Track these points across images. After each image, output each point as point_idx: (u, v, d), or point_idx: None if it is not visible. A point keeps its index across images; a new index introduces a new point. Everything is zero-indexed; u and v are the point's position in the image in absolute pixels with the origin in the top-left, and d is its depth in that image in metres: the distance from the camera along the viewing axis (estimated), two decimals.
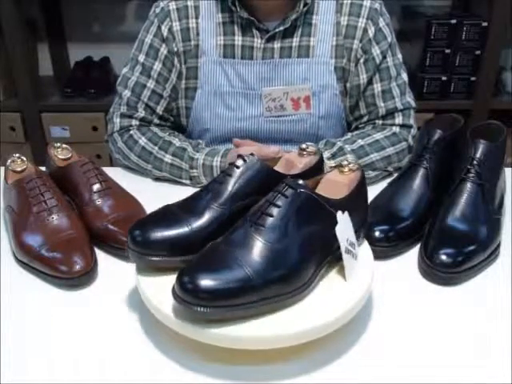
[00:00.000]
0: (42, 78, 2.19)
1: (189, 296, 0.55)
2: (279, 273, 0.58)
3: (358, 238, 0.68)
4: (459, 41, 1.94)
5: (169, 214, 0.66)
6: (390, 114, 1.07)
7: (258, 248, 0.58)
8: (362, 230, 0.71)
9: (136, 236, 0.63)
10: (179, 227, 0.64)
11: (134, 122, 1.06)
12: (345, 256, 0.62)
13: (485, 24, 1.90)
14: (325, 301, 0.61)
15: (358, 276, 0.64)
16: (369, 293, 0.64)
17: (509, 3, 1.84)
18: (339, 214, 0.62)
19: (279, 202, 0.60)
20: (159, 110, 1.08)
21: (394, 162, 1.03)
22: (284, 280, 0.58)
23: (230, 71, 1.04)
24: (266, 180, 0.67)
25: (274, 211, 0.60)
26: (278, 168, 0.76)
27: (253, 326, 0.57)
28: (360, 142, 1.01)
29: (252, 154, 0.70)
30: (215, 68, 1.05)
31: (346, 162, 0.72)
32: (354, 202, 0.68)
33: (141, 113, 1.06)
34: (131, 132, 1.06)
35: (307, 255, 0.60)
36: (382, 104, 1.07)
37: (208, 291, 0.55)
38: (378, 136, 1.03)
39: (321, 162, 0.77)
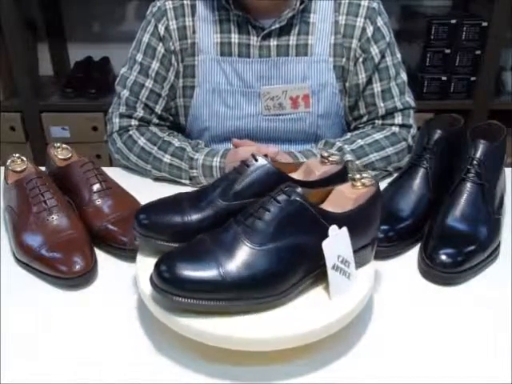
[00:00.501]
0: (42, 77, 2.19)
1: (162, 282, 0.56)
2: (255, 277, 0.57)
3: (364, 256, 0.66)
4: (459, 41, 1.94)
5: (175, 202, 0.69)
6: (390, 113, 1.07)
7: (240, 250, 0.58)
8: (369, 248, 0.67)
9: (141, 219, 0.67)
10: (180, 216, 0.66)
11: (133, 122, 1.07)
12: (331, 273, 0.60)
13: (485, 24, 1.90)
14: (325, 303, 0.61)
15: (357, 280, 0.63)
16: (369, 294, 0.64)
17: (509, 3, 1.84)
18: (333, 228, 0.60)
19: (271, 207, 0.59)
20: (158, 109, 1.08)
21: (394, 162, 1.03)
22: (260, 285, 0.58)
23: (228, 69, 1.04)
24: (273, 182, 0.65)
25: (264, 215, 0.59)
26: (299, 173, 0.74)
27: (254, 328, 0.57)
28: (359, 141, 1.01)
29: (266, 156, 0.69)
30: (213, 66, 1.04)
31: (358, 176, 0.67)
32: (359, 218, 0.64)
33: (140, 112, 1.06)
34: (130, 132, 1.06)
35: (291, 264, 0.59)
36: (382, 104, 1.07)
37: (180, 281, 0.56)
38: (378, 136, 1.03)
39: (343, 171, 0.73)
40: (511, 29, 1.92)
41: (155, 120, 1.08)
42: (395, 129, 1.06)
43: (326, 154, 0.74)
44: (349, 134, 1.05)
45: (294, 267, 0.59)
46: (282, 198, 0.60)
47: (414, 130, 1.08)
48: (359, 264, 0.65)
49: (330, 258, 0.60)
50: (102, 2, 2.14)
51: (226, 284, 0.56)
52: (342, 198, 0.66)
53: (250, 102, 1.06)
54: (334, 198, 0.67)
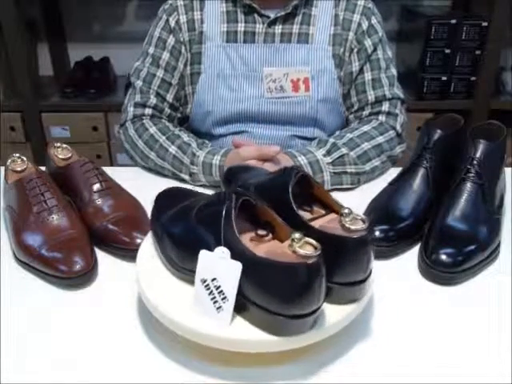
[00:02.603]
0: (42, 77, 2.19)
1: None
2: (174, 236, 0.65)
3: (274, 324, 0.55)
4: (459, 41, 1.94)
5: (233, 173, 0.84)
6: (378, 102, 1.12)
7: (184, 217, 0.64)
8: (286, 322, 0.55)
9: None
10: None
11: (147, 111, 1.10)
12: (197, 283, 0.58)
13: (485, 24, 1.90)
14: (325, 303, 0.61)
15: (228, 322, 0.58)
16: (369, 294, 0.64)
17: (509, 3, 1.84)
18: (221, 249, 0.56)
19: (215, 196, 0.63)
20: (169, 97, 1.12)
21: (387, 151, 1.06)
22: (174, 244, 0.64)
23: (233, 54, 1.09)
24: (279, 196, 0.64)
25: (207, 199, 0.64)
26: (333, 217, 0.65)
27: (254, 330, 0.57)
28: (349, 135, 1.04)
29: (299, 175, 0.66)
30: (218, 52, 1.10)
31: (298, 236, 0.54)
32: (263, 273, 0.54)
33: (153, 100, 1.10)
34: (144, 121, 1.09)
35: (192, 251, 0.60)
36: (372, 92, 1.12)
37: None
38: (366, 128, 1.07)
39: (337, 244, 0.58)
40: (511, 29, 1.92)
41: (167, 110, 1.12)
42: (381, 118, 1.10)
43: (345, 211, 0.59)
44: (338, 132, 1.09)
45: (187, 253, 0.62)
46: (224, 194, 0.61)
47: (401, 119, 1.12)
48: (267, 329, 0.56)
49: (202, 271, 0.58)
50: (102, 2, 2.14)
51: (155, 222, 0.68)
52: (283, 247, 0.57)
53: (252, 84, 1.10)
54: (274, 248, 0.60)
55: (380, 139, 1.05)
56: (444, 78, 1.99)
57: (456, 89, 2.01)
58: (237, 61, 1.09)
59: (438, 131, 0.86)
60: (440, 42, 1.94)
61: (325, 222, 0.65)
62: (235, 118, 1.11)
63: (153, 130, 1.06)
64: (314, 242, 0.54)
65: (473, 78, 1.99)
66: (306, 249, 0.53)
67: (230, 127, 1.12)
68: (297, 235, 0.54)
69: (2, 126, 2.00)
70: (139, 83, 1.11)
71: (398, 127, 1.10)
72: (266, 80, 1.09)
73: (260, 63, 1.09)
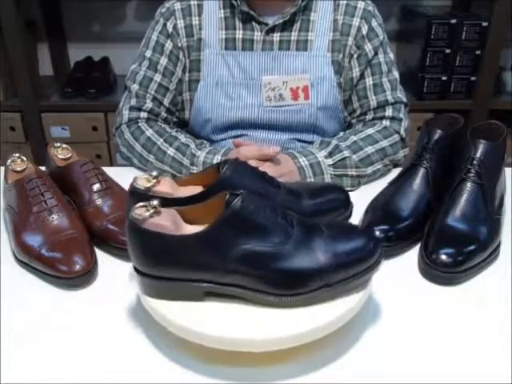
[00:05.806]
0: (42, 77, 2.19)
1: None
2: None
3: None
4: (459, 41, 1.94)
5: None
6: (381, 107, 1.10)
7: None
8: None
9: None
10: None
11: (143, 115, 1.09)
12: None
13: (485, 24, 1.91)
14: (323, 302, 0.61)
15: None
16: (369, 293, 0.64)
17: (509, 3, 1.84)
18: None
19: None
20: (166, 102, 1.11)
21: (390, 155, 1.05)
22: None
23: (232, 62, 1.08)
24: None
25: None
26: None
27: (252, 329, 0.57)
28: (353, 138, 1.03)
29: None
30: (217, 59, 1.09)
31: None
32: None
33: (149, 104, 1.10)
34: (139, 124, 1.09)
35: None
36: (374, 97, 1.10)
37: None
38: (370, 131, 1.06)
39: None
40: (511, 29, 1.92)
41: (163, 114, 1.11)
42: (386, 122, 1.09)
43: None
44: (341, 133, 1.08)
45: None
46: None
47: (405, 123, 1.10)
48: None
49: None
50: (102, 2, 2.14)
51: None
52: None
53: (251, 93, 1.09)
54: None
55: (384, 143, 1.04)
56: (444, 78, 1.99)
57: (456, 89, 2.01)
58: (235, 69, 1.08)
59: (438, 131, 0.86)
60: (440, 41, 1.94)
61: None
62: (234, 125, 1.11)
63: (149, 132, 1.06)
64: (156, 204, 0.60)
65: (473, 78, 1.99)
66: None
67: (229, 133, 1.12)
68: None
69: (2, 126, 2.00)
70: (135, 87, 1.10)
71: (402, 131, 1.09)
72: (264, 88, 1.08)
73: (259, 71, 1.08)
